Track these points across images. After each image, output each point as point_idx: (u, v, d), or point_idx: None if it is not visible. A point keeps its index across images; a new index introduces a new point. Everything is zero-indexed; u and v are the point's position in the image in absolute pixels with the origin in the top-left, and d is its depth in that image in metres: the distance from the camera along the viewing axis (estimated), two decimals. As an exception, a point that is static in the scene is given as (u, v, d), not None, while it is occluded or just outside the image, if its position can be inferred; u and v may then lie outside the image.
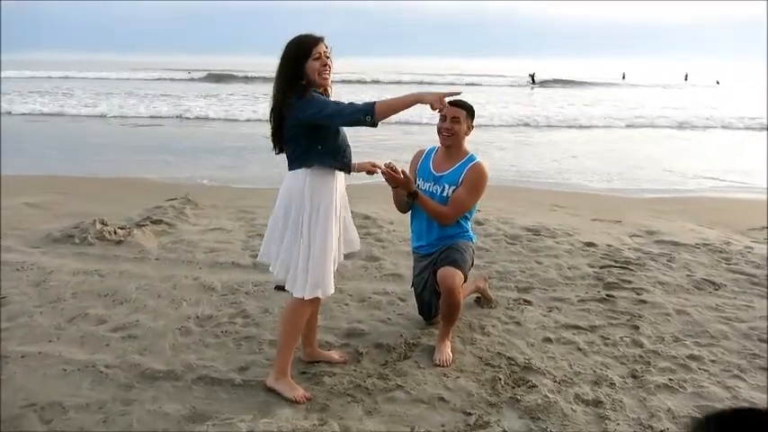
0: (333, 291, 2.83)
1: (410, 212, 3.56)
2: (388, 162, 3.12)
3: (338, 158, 2.80)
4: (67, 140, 13.80)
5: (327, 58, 2.74)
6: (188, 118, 19.04)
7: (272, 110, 2.79)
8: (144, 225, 5.61)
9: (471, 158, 3.41)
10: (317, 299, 2.85)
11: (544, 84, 46.55)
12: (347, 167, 2.86)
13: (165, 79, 44.61)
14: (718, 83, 53.66)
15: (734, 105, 26.94)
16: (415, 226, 3.57)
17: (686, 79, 57.45)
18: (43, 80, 38.74)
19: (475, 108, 3.44)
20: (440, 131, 3.37)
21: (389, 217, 5.98)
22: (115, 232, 5.32)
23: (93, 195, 7.32)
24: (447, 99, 2.68)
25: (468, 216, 3.51)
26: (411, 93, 2.67)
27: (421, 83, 43.95)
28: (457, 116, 3.31)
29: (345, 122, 2.67)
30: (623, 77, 58.00)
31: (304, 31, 2.76)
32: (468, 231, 3.48)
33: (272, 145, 2.86)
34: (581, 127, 18.43)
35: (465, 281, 3.35)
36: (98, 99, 24.26)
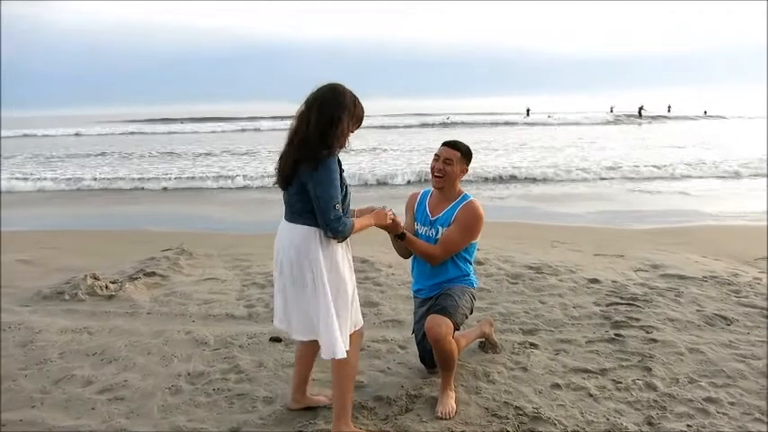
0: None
1: (412, 256, 3.45)
2: (382, 207, 3.02)
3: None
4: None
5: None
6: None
7: (290, 145, 2.64)
8: (137, 278, 5.48)
9: (464, 198, 3.33)
10: (361, 341, 2.93)
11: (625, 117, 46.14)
12: None
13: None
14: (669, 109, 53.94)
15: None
16: (415, 269, 3.45)
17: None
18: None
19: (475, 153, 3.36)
20: (432, 172, 3.30)
21: (388, 260, 5.85)
22: (107, 287, 5.19)
23: (86, 248, 7.22)
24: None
25: (469, 258, 3.38)
26: (371, 216, 2.89)
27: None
28: (450, 157, 3.25)
29: (324, 226, 2.59)
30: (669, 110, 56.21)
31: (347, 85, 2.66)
32: (468, 275, 3.35)
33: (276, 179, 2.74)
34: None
35: (457, 328, 3.19)
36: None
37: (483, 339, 3.80)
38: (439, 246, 3.24)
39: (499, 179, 14.82)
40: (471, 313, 3.39)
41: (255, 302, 4.85)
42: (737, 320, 4.21)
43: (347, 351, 2.66)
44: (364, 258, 5.90)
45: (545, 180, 14.63)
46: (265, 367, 3.62)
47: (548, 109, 63.33)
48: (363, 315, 4.44)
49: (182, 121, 57.19)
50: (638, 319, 4.25)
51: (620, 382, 3.32)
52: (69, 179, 15.61)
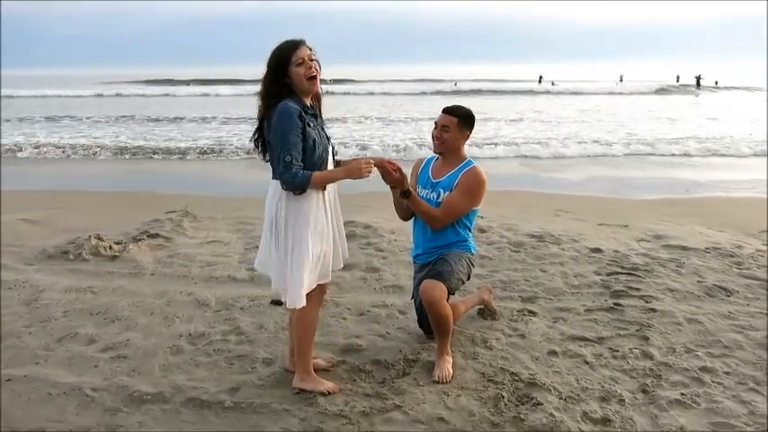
0: (303, 302, 2.74)
1: (412, 221, 3.46)
2: (388, 159, 3.04)
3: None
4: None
5: (312, 60, 2.68)
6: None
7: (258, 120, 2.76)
8: (140, 239, 5.51)
9: (468, 164, 3.33)
10: (321, 298, 2.98)
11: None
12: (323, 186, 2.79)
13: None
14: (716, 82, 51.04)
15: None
16: (414, 233, 3.47)
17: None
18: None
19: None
20: (432, 138, 3.33)
21: (390, 226, 5.85)
22: (110, 247, 5.22)
23: (91, 209, 7.25)
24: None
25: (468, 224, 3.38)
26: (342, 169, 2.79)
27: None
28: (446, 124, 3.26)
29: (281, 181, 2.66)
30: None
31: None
32: (466, 241, 3.35)
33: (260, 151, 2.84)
34: None
35: (452, 293, 3.22)
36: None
37: (482, 306, 3.82)
38: (441, 209, 3.25)
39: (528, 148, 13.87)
40: (469, 279, 3.41)
41: (257, 266, 4.87)
42: (738, 292, 4.21)
43: (279, 302, 2.90)
44: (367, 224, 5.90)
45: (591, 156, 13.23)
46: (266, 329, 3.65)
47: (553, 77, 60.73)
48: (364, 280, 4.52)
49: (188, 83, 56.18)
50: (638, 289, 4.25)
51: (617, 351, 3.34)
52: (75, 144, 15.50)
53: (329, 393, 2.87)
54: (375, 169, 2.90)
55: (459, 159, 3.34)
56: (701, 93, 42.25)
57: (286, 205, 2.71)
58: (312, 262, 2.75)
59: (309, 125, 2.67)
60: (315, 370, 2.99)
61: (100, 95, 39.52)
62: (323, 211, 2.78)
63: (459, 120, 3.24)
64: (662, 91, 42.62)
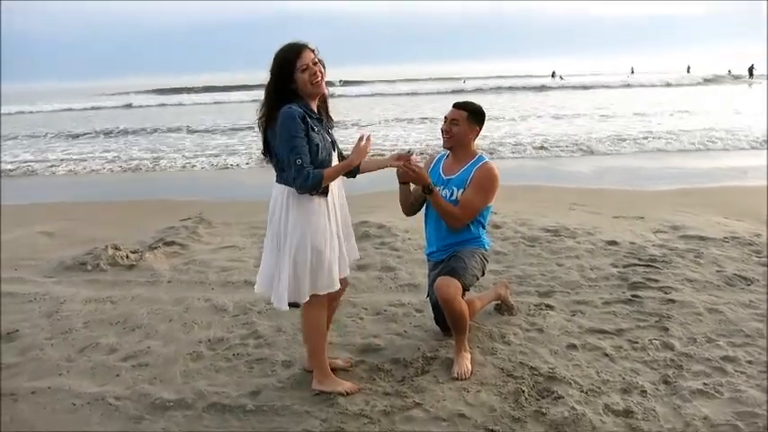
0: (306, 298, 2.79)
1: (424, 218, 3.46)
2: (409, 151, 3.07)
3: None
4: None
5: (315, 64, 2.68)
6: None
7: (261, 126, 2.78)
8: (156, 247, 5.56)
9: (479, 159, 3.33)
10: (330, 303, 2.95)
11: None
12: (324, 191, 2.77)
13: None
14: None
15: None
16: (427, 231, 3.47)
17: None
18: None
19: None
20: (441, 133, 3.34)
21: (404, 225, 5.85)
22: (127, 257, 5.28)
23: (107, 220, 7.32)
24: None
25: (482, 221, 3.38)
26: (348, 159, 2.80)
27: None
28: (456, 118, 3.27)
29: (291, 183, 2.68)
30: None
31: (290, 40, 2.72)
32: (479, 238, 3.35)
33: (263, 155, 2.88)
34: None
35: (467, 289, 3.22)
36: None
37: (499, 301, 3.81)
38: (459, 208, 3.24)
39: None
40: (483, 275, 3.40)
41: (273, 270, 4.90)
42: (758, 280, 4.16)
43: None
44: (381, 224, 5.90)
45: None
46: (284, 332, 3.67)
47: (560, 72, 58.76)
48: (379, 279, 4.53)
49: (193, 90, 55.96)
50: (656, 280, 4.21)
51: (637, 342, 3.31)
52: (88, 156, 15.61)
53: (348, 393, 2.88)
54: (393, 168, 2.97)
55: (469, 155, 3.34)
56: (754, 82, 40.45)
57: (288, 207, 2.73)
58: (309, 266, 2.74)
59: (313, 129, 2.67)
60: (333, 370, 3.00)
61: (100, 107, 39.49)
62: (325, 215, 2.77)
63: (469, 114, 3.24)
64: (712, 81, 41.01)
